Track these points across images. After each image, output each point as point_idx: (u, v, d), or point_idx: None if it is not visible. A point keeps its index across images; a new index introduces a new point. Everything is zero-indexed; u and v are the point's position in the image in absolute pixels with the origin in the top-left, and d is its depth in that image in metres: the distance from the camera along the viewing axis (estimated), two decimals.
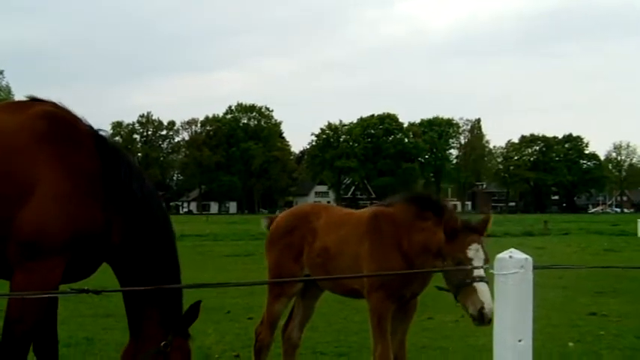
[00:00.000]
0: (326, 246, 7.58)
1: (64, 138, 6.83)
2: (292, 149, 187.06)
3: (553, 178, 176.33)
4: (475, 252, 6.53)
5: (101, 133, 7.21)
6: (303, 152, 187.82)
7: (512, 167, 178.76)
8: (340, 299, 16.20)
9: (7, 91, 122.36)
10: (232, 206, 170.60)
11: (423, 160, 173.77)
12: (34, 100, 7.12)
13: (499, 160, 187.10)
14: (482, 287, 6.35)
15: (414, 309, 7.53)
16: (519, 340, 4.52)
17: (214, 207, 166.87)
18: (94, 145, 6.98)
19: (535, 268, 4.61)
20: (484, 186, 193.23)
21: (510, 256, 4.54)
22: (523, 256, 4.56)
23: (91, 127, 7.15)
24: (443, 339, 13.31)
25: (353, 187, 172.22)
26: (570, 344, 12.45)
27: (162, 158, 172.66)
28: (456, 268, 6.49)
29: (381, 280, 7.08)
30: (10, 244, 6.47)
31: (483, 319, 6.29)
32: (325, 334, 13.49)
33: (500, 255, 4.60)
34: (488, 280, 6.33)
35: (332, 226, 7.71)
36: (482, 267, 6.39)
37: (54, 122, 6.89)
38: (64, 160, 6.71)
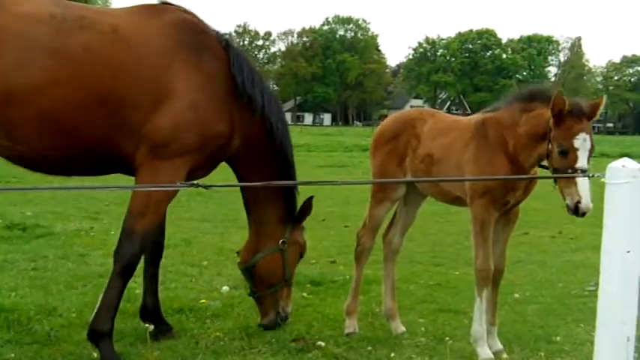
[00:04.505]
0: (430, 152, 7.50)
1: (198, 45, 7.04)
2: (388, 62, 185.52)
3: None
4: (582, 142, 6.31)
5: (226, 38, 7.37)
6: (399, 66, 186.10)
7: (611, 87, 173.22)
8: (435, 212, 16.27)
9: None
10: (326, 118, 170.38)
11: (520, 77, 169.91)
12: (164, 4, 7.27)
13: (598, 79, 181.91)
14: (582, 180, 6.21)
15: (516, 217, 7.39)
16: (627, 252, 4.44)
17: (308, 118, 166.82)
18: (223, 51, 7.19)
19: None
20: None
21: (623, 166, 4.43)
22: (637, 165, 4.44)
23: (217, 33, 7.33)
24: (539, 254, 13.27)
25: (449, 102, 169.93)
26: None
27: (257, 68, 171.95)
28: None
29: (484, 187, 7.00)
30: (141, 145, 6.70)
31: (577, 212, 6.22)
32: (421, 245, 13.59)
33: (613, 164, 4.48)
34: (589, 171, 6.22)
35: (437, 133, 7.57)
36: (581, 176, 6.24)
37: (189, 30, 7.10)
38: (199, 67, 6.94)
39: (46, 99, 6.40)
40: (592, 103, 6.53)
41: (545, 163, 6.78)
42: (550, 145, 6.51)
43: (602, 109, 6.53)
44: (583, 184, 6.22)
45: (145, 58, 6.73)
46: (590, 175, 5.96)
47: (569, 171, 6.29)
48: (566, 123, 6.38)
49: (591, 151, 6.38)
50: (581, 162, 6.31)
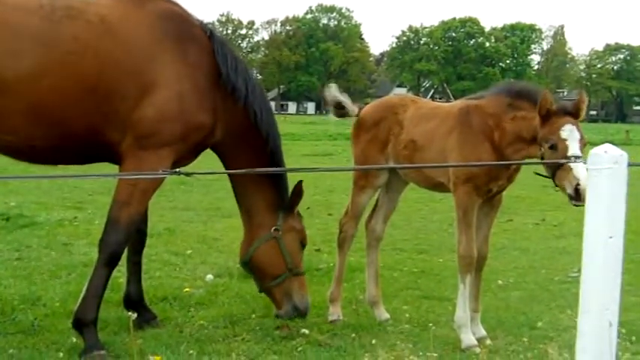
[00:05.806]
0: (412, 138, 7.49)
1: (183, 36, 7.05)
2: (372, 51, 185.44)
3: (636, 87, 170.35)
4: (569, 132, 6.33)
5: (210, 28, 7.36)
6: (382, 54, 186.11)
7: (594, 75, 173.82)
8: (419, 199, 16.30)
9: None
10: (310, 107, 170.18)
11: (504, 66, 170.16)
12: None
13: (581, 67, 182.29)
14: (576, 164, 6.15)
15: (500, 204, 7.42)
16: (610, 237, 4.45)
17: (292, 107, 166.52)
18: (207, 41, 7.19)
19: (630, 165, 4.51)
20: (565, 93, 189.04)
21: (605, 152, 4.44)
22: (618, 151, 4.44)
23: (202, 23, 7.32)
24: (523, 240, 13.31)
25: (432, 91, 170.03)
26: None
27: (241, 57, 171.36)
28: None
29: (468, 173, 7.01)
30: (127, 135, 6.70)
31: (579, 196, 6.05)
32: (405, 232, 13.61)
33: (595, 150, 4.48)
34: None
35: (419, 119, 7.57)
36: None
37: (174, 20, 7.09)
38: (185, 58, 6.94)
39: (36, 88, 6.40)
40: (575, 102, 6.58)
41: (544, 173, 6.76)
42: (542, 148, 6.55)
43: (585, 105, 6.55)
44: (578, 167, 6.15)
45: (132, 48, 6.73)
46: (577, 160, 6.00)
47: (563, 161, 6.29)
48: (553, 119, 6.44)
49: (582, 141, 6.36)
50: (573, 150, 6.30)
